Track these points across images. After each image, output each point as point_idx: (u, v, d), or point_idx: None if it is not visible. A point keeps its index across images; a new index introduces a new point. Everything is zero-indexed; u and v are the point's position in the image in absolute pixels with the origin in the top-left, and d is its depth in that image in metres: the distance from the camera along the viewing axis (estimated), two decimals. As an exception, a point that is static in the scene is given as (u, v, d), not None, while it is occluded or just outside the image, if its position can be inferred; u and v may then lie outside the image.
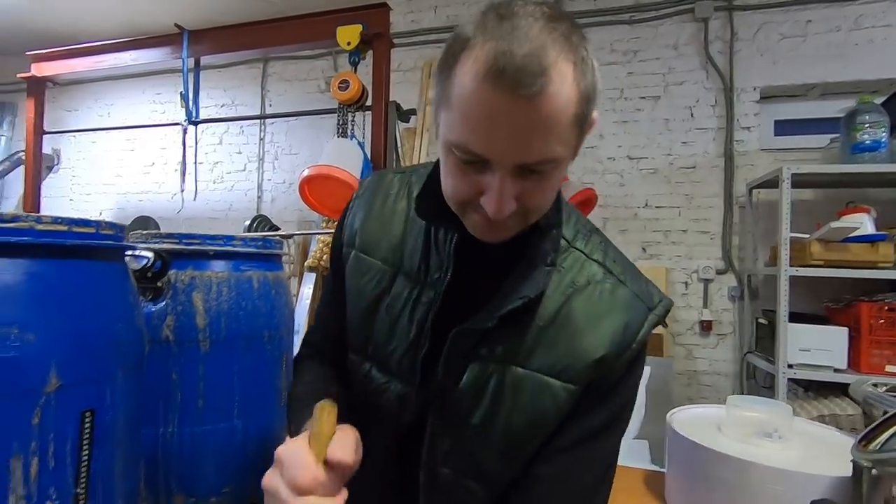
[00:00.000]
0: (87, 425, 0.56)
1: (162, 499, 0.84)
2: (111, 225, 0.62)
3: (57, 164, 4.19)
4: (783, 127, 2.76)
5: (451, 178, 0.51)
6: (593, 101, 0.49)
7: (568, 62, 0.44)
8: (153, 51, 2.75)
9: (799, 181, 2.24)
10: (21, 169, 3.56)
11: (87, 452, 0.56)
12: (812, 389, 2.25)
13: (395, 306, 0.60)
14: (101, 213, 4.15)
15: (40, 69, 2.96)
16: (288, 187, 3.58)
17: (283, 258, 1.06)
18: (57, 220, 0.55)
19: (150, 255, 0.80)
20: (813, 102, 2.70)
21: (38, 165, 3.10)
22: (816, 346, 2.09)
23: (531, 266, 0.54)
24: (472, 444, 0.55)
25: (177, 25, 2.65)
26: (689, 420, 0.92)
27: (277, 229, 3.16)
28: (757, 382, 2.62)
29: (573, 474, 0.56)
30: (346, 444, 0.50)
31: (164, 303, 0.84)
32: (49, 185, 4.01)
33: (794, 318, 2.16)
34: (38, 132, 3.03)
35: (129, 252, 0.75)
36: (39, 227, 0.53)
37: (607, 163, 2.92)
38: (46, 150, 3.48)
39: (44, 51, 2.95)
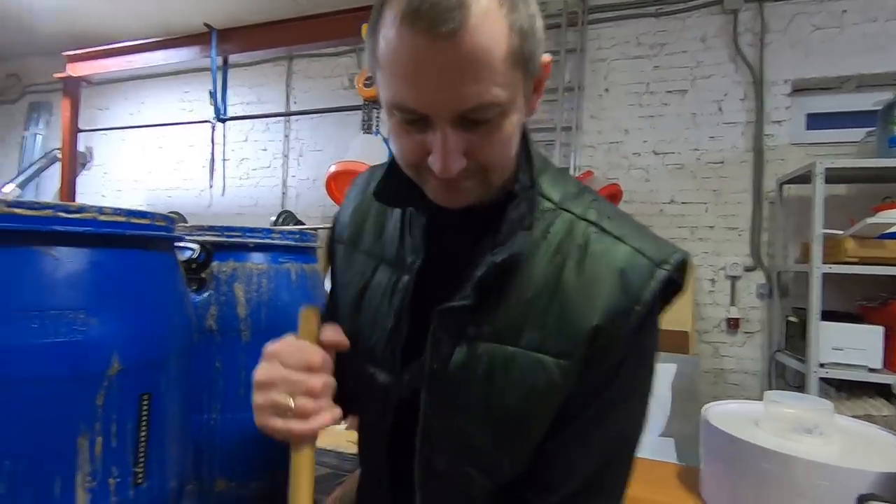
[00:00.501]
0: (144, 408, 0.58)
1: (206, 482, 0.87)
2: (163, 217, 0.65)
3: (90, 162, 4.31)
4: (816, 120, 2.69)
5: (397, 140, 0.48)
6: (533, 39, 0.45)
7: None
8: (183, 50, 2.82)
9: (833, 176, 2.18)
10: (56, 166, 3.69)
11: (144, 434, 0.58)
12: (844, 389, 2.19)
13: (375, 296, 0.58)
14: (131, 209, 4.25)
15: (76, 69, 3.05)
16: (312, 183, 3.63)
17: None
18: (117, 212, 0.57)
19: (195, 246, 0.83)
20: (848, 95, 2.62)
21: (74, 162, 3.21)
22: (850, 346, 2.04)
23: (508, 233, 0.50)
24: (467, 429, 0.52)
25: (206, 25, 2.70)
26: (724, 415, 0.91)
27: (303, 224, 3.21)
28: (786, 382, 2.57)
29: (589, 461, 0.52)
30: (335, 328, 0.53)
31: (207, 293, 0.86)
32: (82, 182, 4.14)
33: (826, 316, 2.11)
34: (74, 130, 3.13)
35: (178, 243, 0.77)
36: (102, 217, 0.56)
37: (632, 158, 2.89)
38: (80, 147, 3.59)
39: (79, 51, 3.04)
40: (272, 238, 0.97)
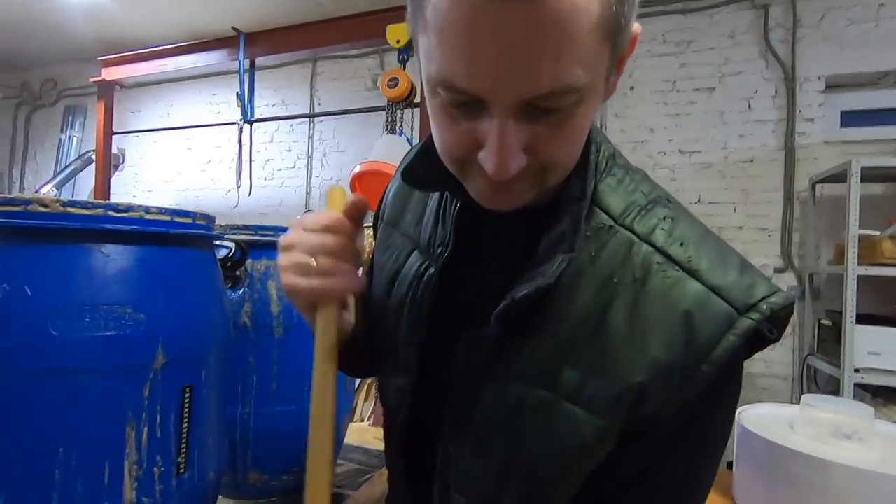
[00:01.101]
0: (186, 401, 0.60)
1: (239, 474, 0.89)
2: (204, 216, 0.67)
3: (122, 163, 4.44)
4: (850, 118, 2.61)
5: (440, 128, 0.39)
6: (630, 2, 0.34)
7: None
8: (212, 53, 2.88)
9: (868, 175, 2.11)
10: (91, 167, 3.81)
11: (185, 425, 0.60)
12: (881, 395, 2.12)
13: (403, 285, 0.52)
14: (161, 209, 4.36)
15: (110, 73, 3.14)
16: (336, 184, 3.66)
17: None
18: (162, 211, 0.60)
19: (231, 245, 0.85)
20: (884, 91, 2.54)
21: (108, 164, 3.31)
22: (887, 350, 1.98)
23: (546, 254, 0.41)
24: (489, 478, 0.44)
25: (234, 29, 2.76)
26: (759, 418, 0.89)
27: (326, 224, 3.24)
28: (818, 386, 2.50)
29: None
30: (359, 197, 0.49)
31: (241, 290, 0.89)
32: (114, 183, 4.27)
33: (862, 319, 2.05)
34: (108, 132, 3.22)
35: (217, 241, 0.80)
36: (148, 216, 0.58)
37: (657, 157, 2.85)
38: (112, 149, 3.70)
39: (113, 56, 3.14)
40: (304, 237, 0.98)
